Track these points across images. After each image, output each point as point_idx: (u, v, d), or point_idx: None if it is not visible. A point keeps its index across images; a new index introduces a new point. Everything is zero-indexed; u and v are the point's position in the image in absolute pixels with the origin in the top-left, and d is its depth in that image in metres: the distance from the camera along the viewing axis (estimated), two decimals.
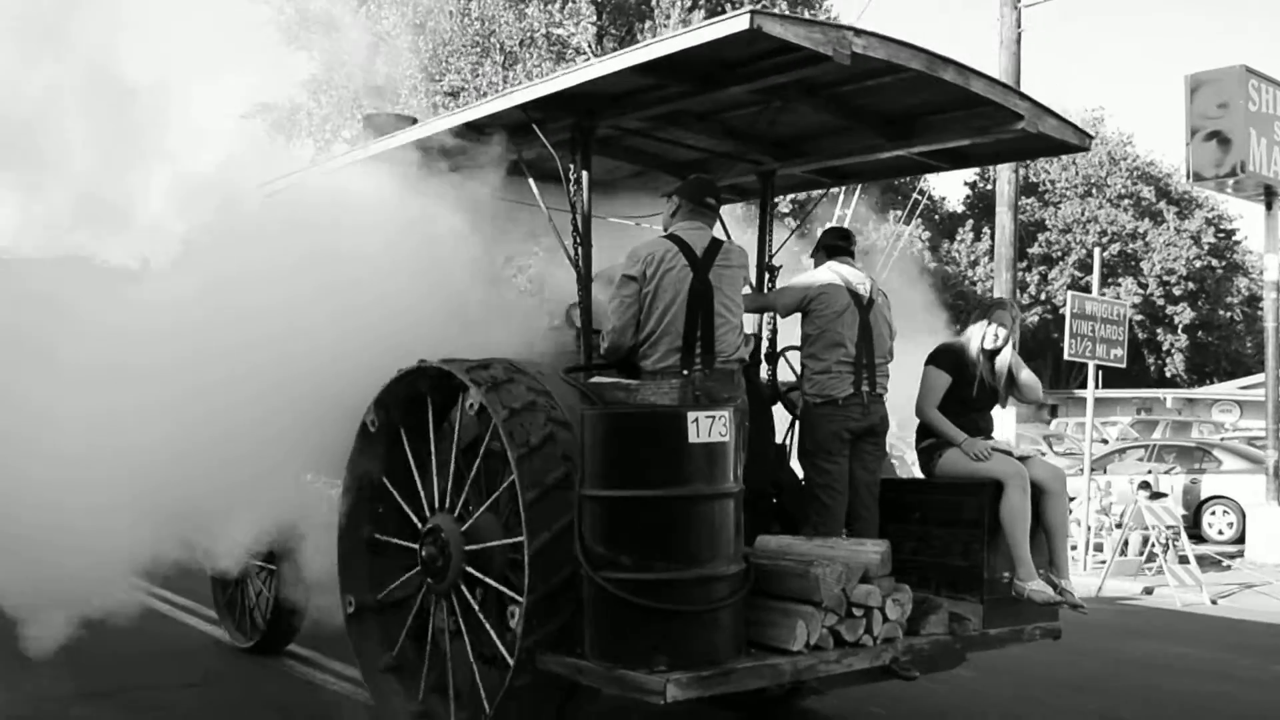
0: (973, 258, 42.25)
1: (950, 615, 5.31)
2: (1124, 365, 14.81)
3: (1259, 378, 29.40)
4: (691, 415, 4.49)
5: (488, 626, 5.25)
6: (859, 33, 4.68)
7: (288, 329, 6.06)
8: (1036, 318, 42.77)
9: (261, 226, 6.54)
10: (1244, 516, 17.13)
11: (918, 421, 6.01)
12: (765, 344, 6.54)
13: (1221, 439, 24.71)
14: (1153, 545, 13.06)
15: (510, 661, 4.94)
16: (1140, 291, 43.01)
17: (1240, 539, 17.04)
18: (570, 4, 37.39)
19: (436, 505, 5.61)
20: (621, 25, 38.12)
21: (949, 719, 6.78)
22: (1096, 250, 16.57)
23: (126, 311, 6.55)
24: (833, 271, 5.91)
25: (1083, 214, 42.69)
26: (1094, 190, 43.12)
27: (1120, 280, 41.67)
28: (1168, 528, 12.98)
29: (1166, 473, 19.16)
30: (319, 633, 7.17)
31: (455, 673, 5.45)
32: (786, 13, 4.75)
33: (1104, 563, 13.37)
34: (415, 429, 5.76)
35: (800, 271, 6.24)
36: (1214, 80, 14.88)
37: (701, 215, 5.46)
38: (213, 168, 6.87)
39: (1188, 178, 15.76)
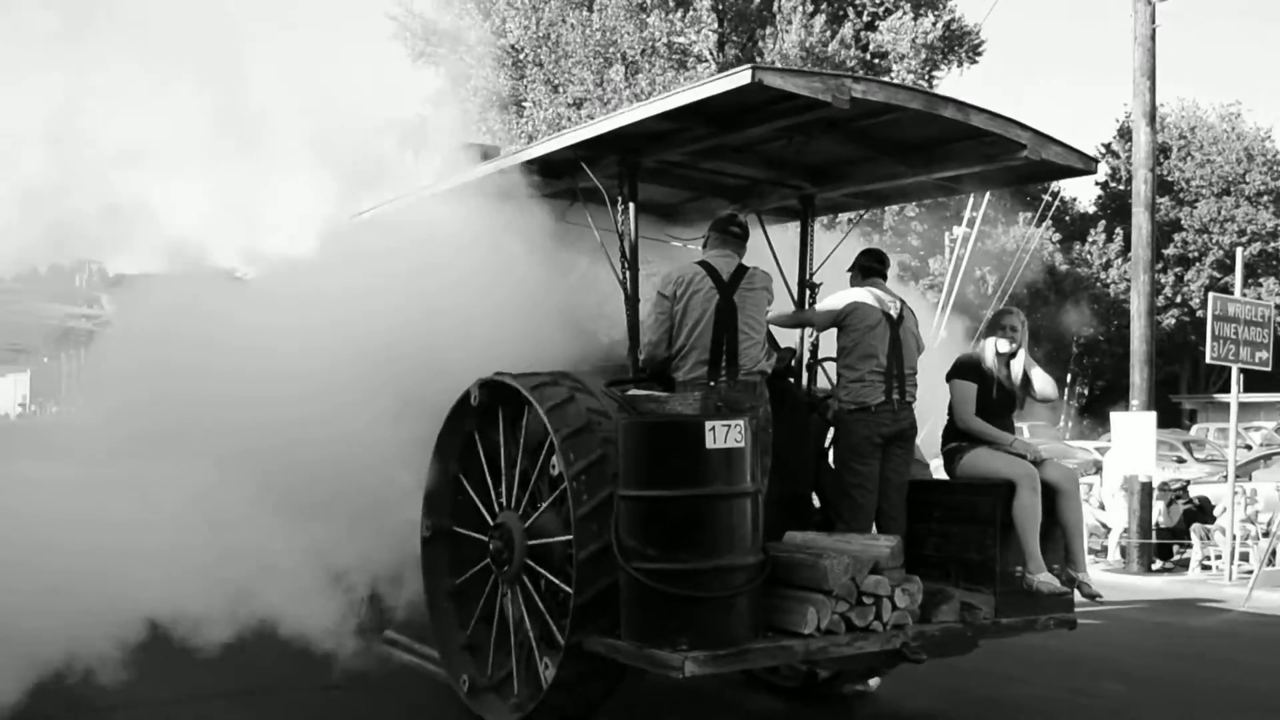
0: (1105, 259, 41.55)
1: (962, 605, 5.84)
2: (1269, 368, 14.68)
3: None
4: (709, 424, 5.13)
5: (545, 613, 5.95)
6: (856, 79, 5.26)
7: (409, 346, 6.91)
8: (1173, 320, 41.83)
9: (356, 253, 7.42)
10: None
11: (943, 428, 6.52)
12: (807, 355, 7.11)
13: None
14: None
15: (562, 644, 5.64)
16: None
17: None
18: (691, 12, 37.88)
19: (505, 503, 6.34)
20: (743, 32, 38.55)
21: None
22: (1239, 250, 16.45)
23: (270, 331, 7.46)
24: (866, 290, 6.48)
25: (1219, 213, 41.60)
26: (1231, 189, 42.00)
27: (1261, 281, 40.51)
28: None
29: None
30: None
31: (519, 652, 6.17)
32: (786, 66, 5.15)
33: (1250, 573, 13.02)
34: (488, 433, 6.51)
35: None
36: None
37: (728, 243, 6.12)
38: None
39: None
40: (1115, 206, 42.43)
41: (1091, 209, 46.00)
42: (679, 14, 37.86)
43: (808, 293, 7.21)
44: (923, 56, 36.71)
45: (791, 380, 7.00)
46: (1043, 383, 6.52)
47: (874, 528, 6.26)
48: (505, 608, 6.33)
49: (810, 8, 36.95)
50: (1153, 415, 15.02)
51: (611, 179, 6.36)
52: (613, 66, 38.26)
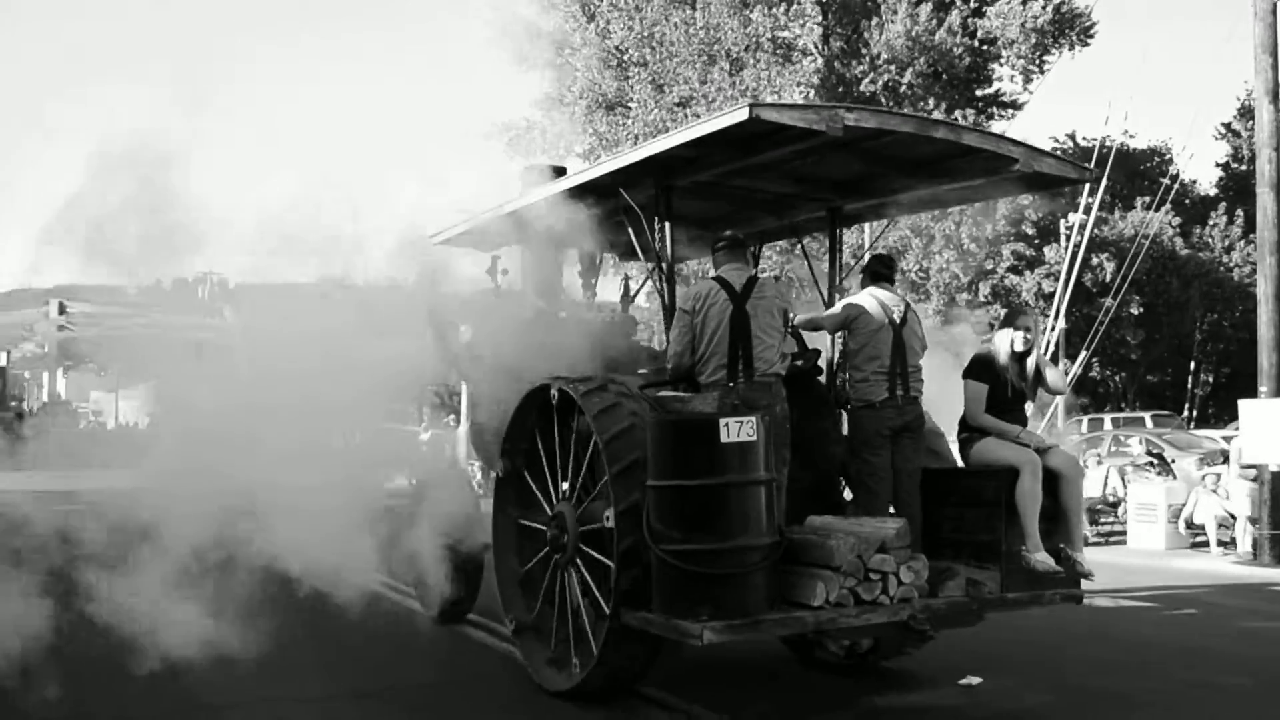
0: (1227, 243, 40.97)
1: (968, 581, 6.58)
2: None
3: None
4: (724, 420, 5.98)
5: (595, 590, 6.85)
6: (849, 108, 6.06)
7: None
8: None
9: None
10: None
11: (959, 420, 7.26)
12: (837, 355, 7.89)
13: None
14: None
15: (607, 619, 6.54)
16: None
17: None
18: (795, 6, 38.31)
19: (562, 494, 7.26)
20: (848, 24, 38.92)
21: None
22: None
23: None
24: (870, 296, 7.26)
25: None
26: None
27: None
28: None
29: None
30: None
31: (576, 626, 7.07)
32: (782, 102, 5.92)
33: None
34: (547, 431, 7.43)
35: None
36: None
37: (737, 256, 6.97)
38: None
39: None
40: (1237, 188, 41.79)
41: (1212, 191, 45.31)
42: (782, 8, 38.26)
43: (837, 297, 7.98)
44: (1032, 41, 36.72)
45: (820, 379, 7.79)
46: (1055, 377, 7.22)
47: (889, 512, 7.01)
48: (563, 589, 7.24)
49: None
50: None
51: (648, 200, 7.24)
52: (716, 64, 38.89)
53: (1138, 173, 41.51)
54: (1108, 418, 34.17)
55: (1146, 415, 34.59)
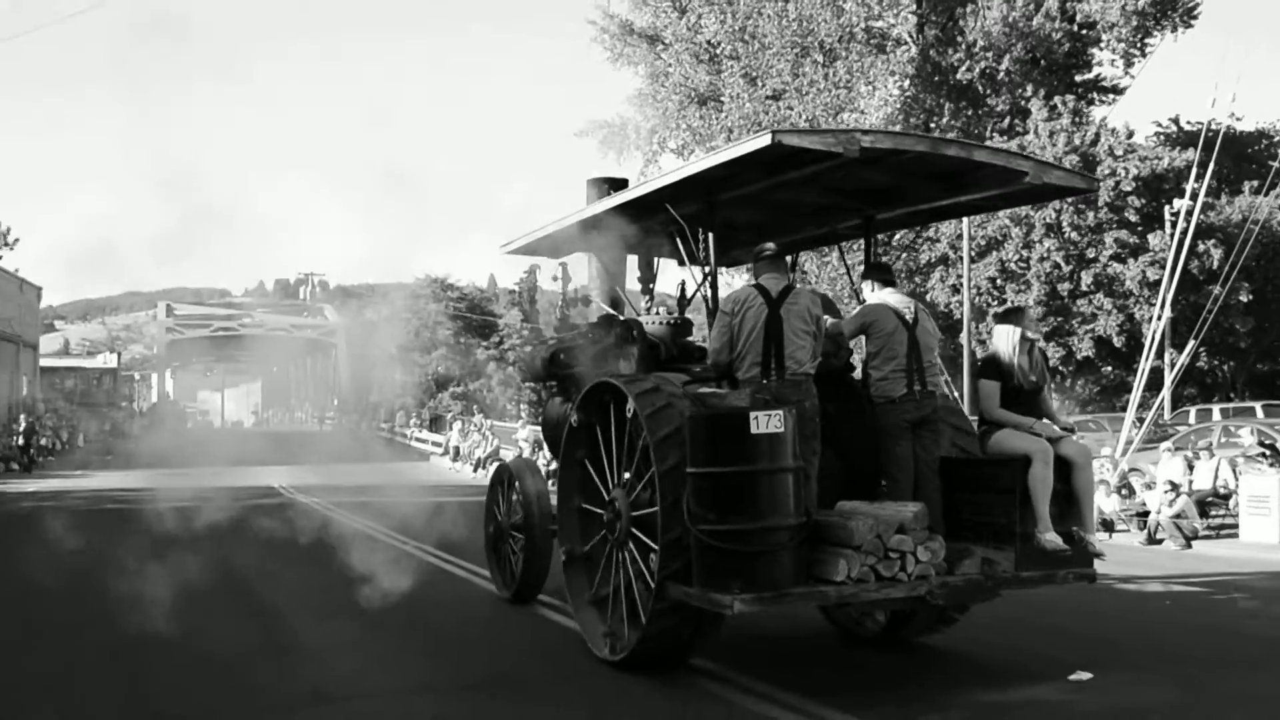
0: None
1: (983, 560, 7.36)
2: None
3: None
4: (754, 414, 6.85)
5: (644, 568, 7.75)
6: (865, 132, 6.87)
7: None
8: None
9: None
10: None
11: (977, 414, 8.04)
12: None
13: None
14: None
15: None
16: None
17: None
18: None
19: (616, 481, 8.19)
20: (943, 12, 39.20)
21: None
22: None
23: None
24: (882, 301, 8.07)
25: None
26: None
27: None
28: None
29: None
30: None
31: (628, 602, 7.99)
32: (802, 127, 6.70)
33: None
34: (605, 425, 8.36)
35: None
36: None
37: (777, 266, 7.83)
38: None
39: None
40: None
41: None
42: None
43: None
44: (1134, 24, 36.68)
45: (854, 377, 8.62)
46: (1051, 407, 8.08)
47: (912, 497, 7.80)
48: (618, 568, 8.16)
49: None
50: None
51: (697, 211, 8.14)
52: (809, 56, 39.40)
53: (1245, 156, 41.08)
54: (1216, 408, 34.02)
55: (1257, 405, 34.37)
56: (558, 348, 10.35)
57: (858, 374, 8.68)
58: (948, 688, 7.57)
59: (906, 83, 38.66)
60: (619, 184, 10.47)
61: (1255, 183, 37.42)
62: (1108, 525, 18.53)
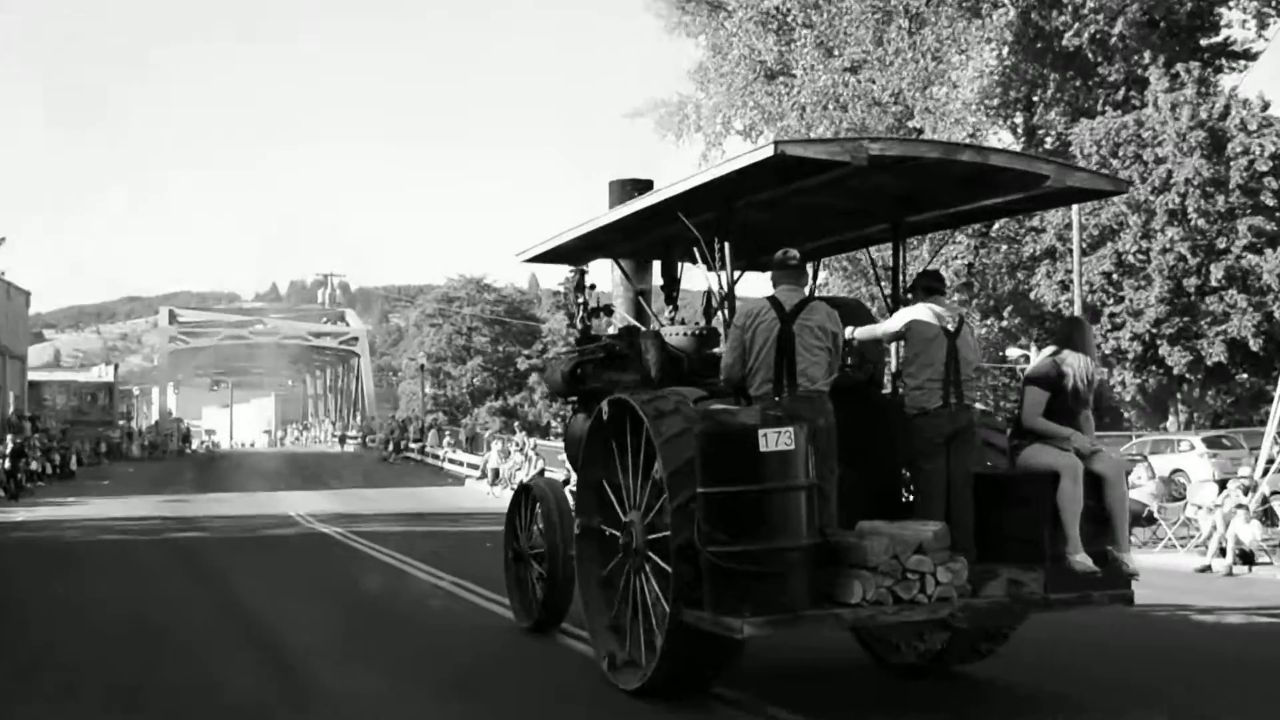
0: None
1: (1009, 581, 8.22)
2: None
3: None
4: (762, 431, 7.77)
5: (659, 593, 8.69)
6: (874, 139, 7.79)
7: None
8: None
9: None
10: None
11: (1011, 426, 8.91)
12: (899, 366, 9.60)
13: None
14: None
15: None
16: None
17: None
18: None
19: (634, 503, 9.14)
20: None
21: None
22: None
23: None
24: (925, 307, 8.95)
25: None
26: None
27: None
28: None
29: None
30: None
31: (646, 628, 8.92)
32: (807, 137, 7.58)
33: None
34: (622, 443, 9.31)
35: None
36: None
37: (792, 277, 8.76)
38: None
39: None
40: None
41: None
42: None
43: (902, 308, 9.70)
44: None
45: (880, 391, 9.52)
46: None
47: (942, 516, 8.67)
48: (636, 592, 9.11)
49: None
50: None
51: (709, 221, 9.09)
52: (893, 22, 40.03)
53: None
54: None
55: None
56: (579, 360, 11.34)
57: (884, 389, 9.58)
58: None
59: (1004, 50, 39.25)
60: (643, 185, 11.44)
61: None
62: (1247, 557, 18.78)
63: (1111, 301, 39.06)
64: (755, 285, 10.21)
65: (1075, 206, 32.32)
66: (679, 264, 11.23)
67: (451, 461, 53.62)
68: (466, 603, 14.04)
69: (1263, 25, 39.22)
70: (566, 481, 14.62)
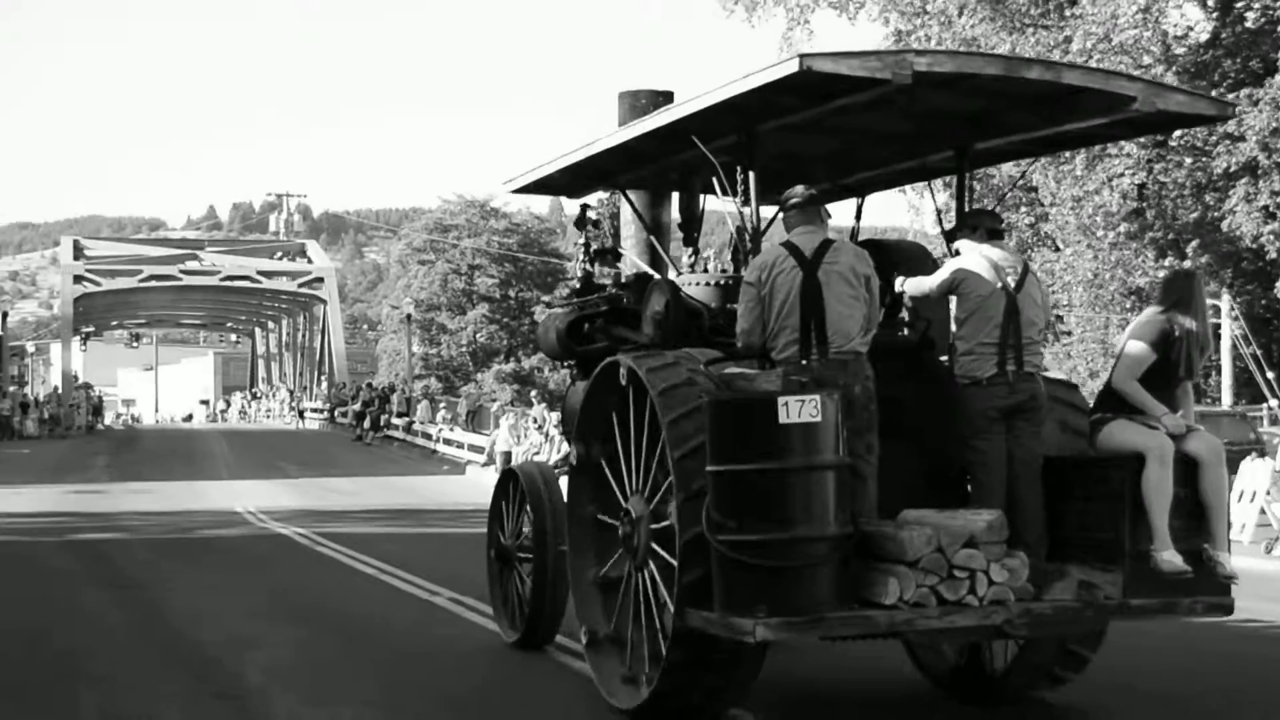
0: None
1: (1080, 583, 9.25)
2: None
3: None
4: (782, 400, 8.80)
5: (665, 594, 9.74)
6: (920, 52, 8.77)
7: None
8: None
9: None
10: None
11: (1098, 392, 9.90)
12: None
13: None
14: None
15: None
16: None
17: None
18: None
19: (635, 486, 10.19)
20: None
21: None
22: None
23: None
24: (981, 254, 9.92)
25: None
26: None
27: None
28: None
29: None
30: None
31: (650, 636, 9.95)
32: (838, 50, 8.40)
33: None
34: (624, 416, 10.35)
35: None
36: None
37: (808, 217, 9.77)
38: None
39: None
40: None
41: None
42: None
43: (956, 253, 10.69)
44: None
45: (934, 353, 10.53)
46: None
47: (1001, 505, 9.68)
48: (638, 594, 10.16)
49: None
50: None
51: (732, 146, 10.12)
52: None
53: None
54: None
55: None
56: (578, 315, 12.34)
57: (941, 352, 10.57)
58: None
59: None
60: (663, 97, 12.47)
61: None
62: None
63: None
64: None
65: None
66: (700, 196, 12.25)
67: (448, 442, 54.46)
68: (466, 623, 14.92)
69: None
70: (565, 462, 15.60)
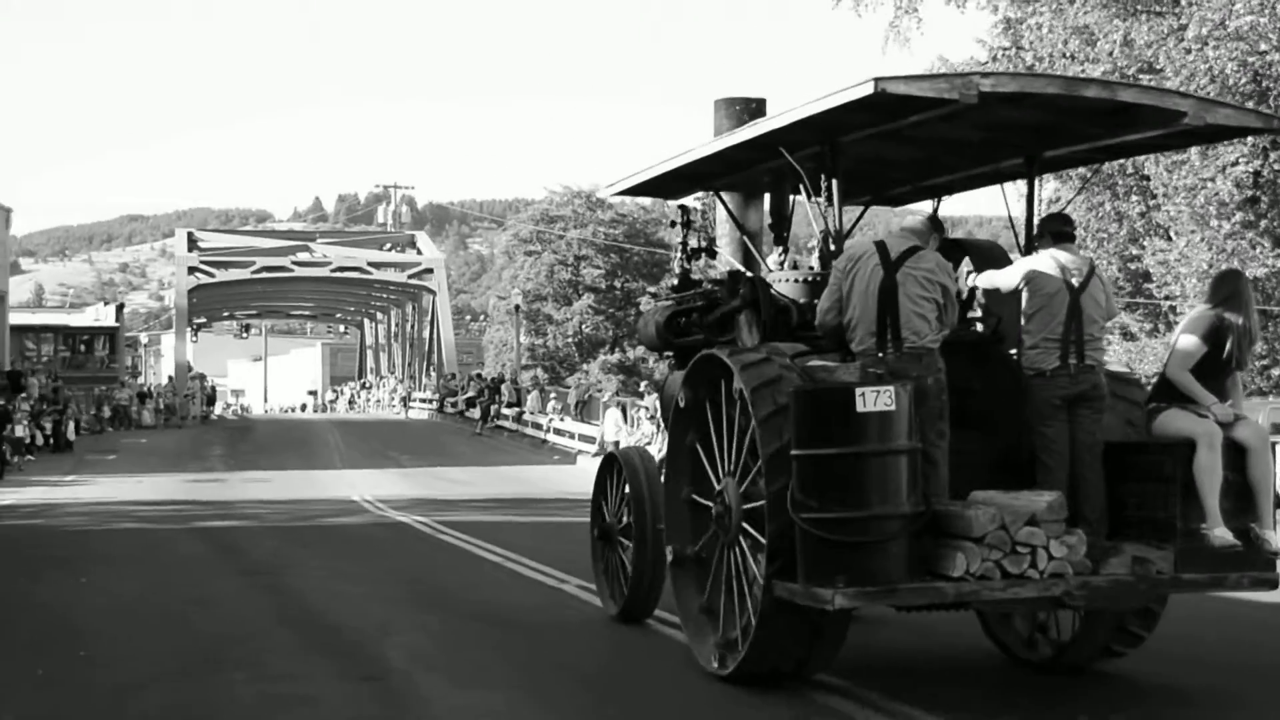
0: None
1: (1134, 559, 10.18)
2: None
3: None
4: (859, 390, 9.79)
5: (756, 569, 10.74)
6: (985, 74, 9.74)
7: None
8: None
9: None
10: None
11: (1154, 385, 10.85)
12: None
13: None
14: None
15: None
16: None
17: None
18: None
19: (728, 469, 11.21)
20: None
21: None
22: None
23: None
24: (1049, 256, 10.90)
25: None
26: None
27: None
28: None
29: None
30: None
31: (741, 609, 10.98)
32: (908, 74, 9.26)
33: None
34: (718, 404, 11.38)
35: None
36: None
37: (915, 234, 10.79)
38: None
39: None
40: None
41: None
42: None
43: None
44: None
45: (1003, 347, 11.49)
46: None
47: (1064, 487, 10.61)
48: (730, 569, 11.19)
49: None
50: None
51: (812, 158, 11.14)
52: None
53: None
54: None
55: None
56: (676, 310, 13.41)
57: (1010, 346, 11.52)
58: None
59: None
60: (756, 105, 13.51)
61: None
62: None
63: None
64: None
65: None
66: (790, 198, 13.27)
67: (558, 432, 55.45)
68: (594, 608, 15.41)
69: None
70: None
